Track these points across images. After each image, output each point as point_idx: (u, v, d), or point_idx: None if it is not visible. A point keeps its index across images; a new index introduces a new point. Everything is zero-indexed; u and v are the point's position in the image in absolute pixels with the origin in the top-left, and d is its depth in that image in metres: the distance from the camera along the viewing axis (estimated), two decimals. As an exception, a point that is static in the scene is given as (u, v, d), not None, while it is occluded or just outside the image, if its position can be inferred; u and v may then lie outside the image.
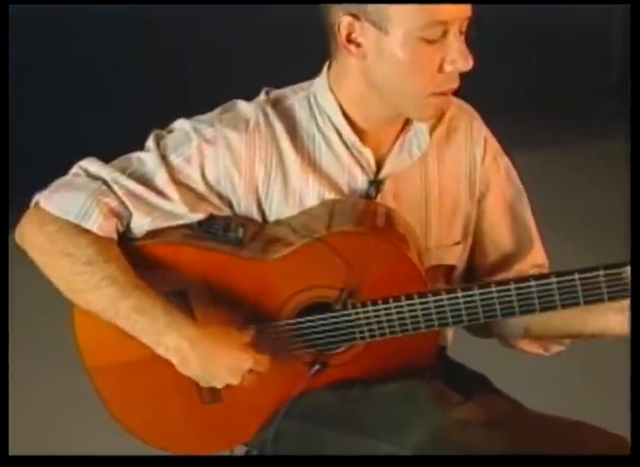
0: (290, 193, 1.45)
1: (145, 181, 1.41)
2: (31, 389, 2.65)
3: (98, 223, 1.37)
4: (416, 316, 1.38)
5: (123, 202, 1.39)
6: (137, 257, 1.40)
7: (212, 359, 1.34)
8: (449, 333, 1.65)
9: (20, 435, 2.01)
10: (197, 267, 1.40)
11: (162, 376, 1.42)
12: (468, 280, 1.60)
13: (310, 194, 1.45)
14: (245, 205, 1.46)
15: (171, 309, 1.35)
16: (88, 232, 1.37)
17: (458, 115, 1.53)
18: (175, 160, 1.42)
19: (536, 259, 1.59)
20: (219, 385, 1.38)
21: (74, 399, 1.48)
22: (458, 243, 1.55)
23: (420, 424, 1.29)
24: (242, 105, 1.47)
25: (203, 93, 2.02)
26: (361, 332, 1.41)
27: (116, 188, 1.40)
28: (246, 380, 1.37)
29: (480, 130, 1.55)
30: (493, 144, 1.56)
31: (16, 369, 1.78)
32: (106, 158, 1.46)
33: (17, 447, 1.61)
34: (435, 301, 1.38)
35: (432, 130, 1.50)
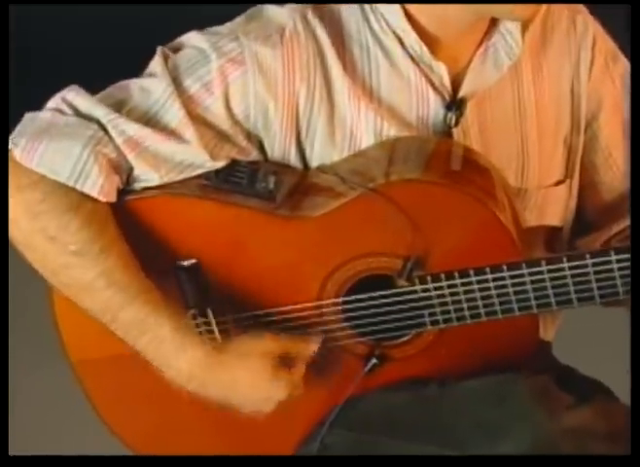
0: (338, 126, 1.21)
1: (149, 120, 1.15)
2: (32, 389, 2.67)
3: (99, 184, 1.12)
4: (506, 294, 1.18)
5: (122, 153, 1.15)
6: (132, 215, 1.18)
7: (235, 390, 1.18)
8: (551, 322, 1.41)
9: (20, 435, 1.98)
10: (215, 228, 1.21)
11: None
12: (579, 239, 1.38)
13: (364, 126, 1.21)
14: (280, 145, 1.22)
15: (181, 326, 1.16)
16: (80, 204, 1.12)
17: (556, 8, 1.28)
18: (192, 86, 1.16)
19: None
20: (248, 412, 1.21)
21: (76, 399, 1.37)
22: (562, 182, 1.33)
23: (519, 430, 1.12)
24: (273, 10, 1.22)
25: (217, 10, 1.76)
26: (432, 314, 1.21)
27: (114, 134, 1.14)
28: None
29: (587, 27, 1.29)
30: (605, 44, 1.31)
31: (16, 368, 1.72)
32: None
33: (17, 447, 1.55)
34: (531, 273, 1.17)
35: (523, 31, 1.25)
